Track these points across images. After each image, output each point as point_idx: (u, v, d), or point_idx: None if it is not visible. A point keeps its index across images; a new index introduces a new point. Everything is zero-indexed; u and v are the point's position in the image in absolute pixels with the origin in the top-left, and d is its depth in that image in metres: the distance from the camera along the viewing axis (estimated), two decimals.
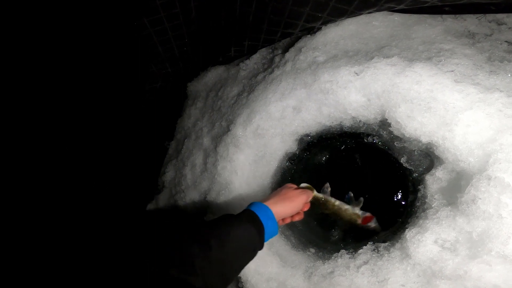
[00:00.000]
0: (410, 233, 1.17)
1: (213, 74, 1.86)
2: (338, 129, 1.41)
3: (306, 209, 1.09)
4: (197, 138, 1.70)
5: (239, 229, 0.83)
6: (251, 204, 0.95)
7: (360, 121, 1.31)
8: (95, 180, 1.79)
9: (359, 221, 1.35)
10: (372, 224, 1.36)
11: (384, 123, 1.24)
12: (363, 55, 1.36)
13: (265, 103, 1.39)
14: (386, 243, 1.27)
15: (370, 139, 1.34)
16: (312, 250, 1.43)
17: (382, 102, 1.17)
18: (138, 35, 1.56)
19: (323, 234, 1.54)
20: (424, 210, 1.18)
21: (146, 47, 1.65)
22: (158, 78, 1.86)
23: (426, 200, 1.17)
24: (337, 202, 1.33)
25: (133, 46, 1.64)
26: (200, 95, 1.85)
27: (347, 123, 1.34)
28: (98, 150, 1.77)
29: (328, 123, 1.36)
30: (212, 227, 0.82)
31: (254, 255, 0.89)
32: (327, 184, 1.35)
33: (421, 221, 1.17)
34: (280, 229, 1.49)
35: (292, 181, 1.60)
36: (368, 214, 1.35)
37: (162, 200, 1.78)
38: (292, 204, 1.00)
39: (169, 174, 1.78)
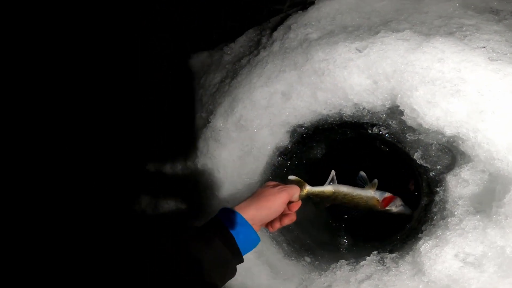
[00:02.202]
0: (425, 246, 0.90)
1: (196, 61, 1.57)
2: (337, 119, 1.12)
3: (295, 208, 0.85)
4: (176, 131, 1.42)
5: (199, 245, 0.66)
6: (219, 211, 0.76)
7: (363, 108, 1.02)
8: (77, 176, 1.59)
9: (379, 205, 1.01)
10: (394, 207, 1.01)
11: (394, 111, 0.95)
12: (366, 30, 1.06)
13: (249, 89, 1.09)
14: (394, 254, 1.01)
15: (375, 130, 1.05)
16: (308, 259, 1.17)
17: (392, 84, 0.88)
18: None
19: (324, 240, 1.27)
20: (443, 218, 0.90)
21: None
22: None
23: (446, 206, 0.89)
24: (346, 189, 0.99)
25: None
26: (182, 84, 1.56)
27: (347, 111, 1.05)
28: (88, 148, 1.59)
29: (325, 112, 1.06)
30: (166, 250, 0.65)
31: (229, 270, 0.70)
32: (333, 173, 1.00)
33: (439, 232, 0.89)
34: (270, 234, 1.22)
35: (286, 180, 1.33)
36: (387, 194, 1.01)
37: (145, 201, 1.52)
38: (267, 204, 0.76)
39: (151, 172, 1.51)
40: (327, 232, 1.29)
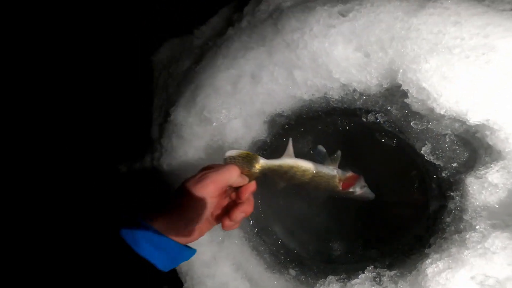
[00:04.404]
0: (434, 267, 0.67)
1: (167, 49, 1.34)
2: (324, 105, 0.87)
3: (245, 194, 0.60)
4: (146, 126, 1.20)
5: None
6: (127, 221, 0.57)
7: (354, 90, 0.76)
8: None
9: (340, 186, 0.78)
10: (359, 188, 0.79)
11: (394, 92, 0.69)
12: None
13: (212, 73, 0.85)
14: (393, 272, 0.78)
15: (371, 117, 0.79)
16: (292, 272, 0.95)
17: (391, 56, 0.62)
18: None
19: (314, 247, 1.05)
20: (459, 231, 0.66)
21: None
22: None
23: (464, 216, 0.64)
24: (306, 164, 0.74)
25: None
26: (153, 75, 1.33)
27: (334, 94, 0.79)
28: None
29: (306, 96, 0.82)
30: None
31: None
32: (290, 141, 0.76)
33: (453, 249, 0.66)
34: (250, 243, 1.01)
35: (266, 178, 1.10)
36: (350, 173, 0.78)
37: (109, 205, 1.32)
38: (182, 202, 0.55)
39: (123, 171, 1.31)
40: (318, 237, 1.07)
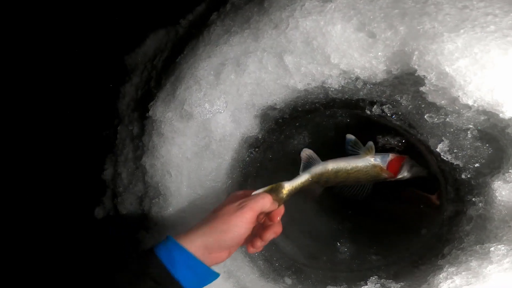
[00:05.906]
0: (449, 282, 0.57)
1: (153, 41, 1.22)
2: (321, 95, 0.75)
3: (277, 218, 0.65)
4: (129, 123, 1.09)
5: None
6: (164, 241, 0.61)
7: (357, 78, 0.64)
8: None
9: (385, 174, 0.68)
10: (407, 172, 0.69)
11: (404, 81, 0.57)
12: None
13: (194, 63, 0.73)
14: (399, 284, 0.68)
15: (376, 109, 0.67)
16: (288, 280, 0.85)
17: (402, 35, 0.50)
18: None
19: (317, 249, 0.95)
20: (481, 242, 0.55)
21: None
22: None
23: (488, 226, 0.54)
24: (336, 164, 0.68)
25: None
26: (138, 68, 1.22)
27: (333, 83, 0.67)
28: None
29: (300, 86, 0.69)
30: None
31: None
32: (308, 152, 0.70)
33: (474, 262, 0.55)
34: (242, 248, 0.91)
35: (261, 177, 0.99)
36: (391, 156, 0.68)
37: (107, 204, 1.23)
38: (223, 227, 0.60)
39: (108, 171, 1.21)
40: (317, 241, 0.97)
